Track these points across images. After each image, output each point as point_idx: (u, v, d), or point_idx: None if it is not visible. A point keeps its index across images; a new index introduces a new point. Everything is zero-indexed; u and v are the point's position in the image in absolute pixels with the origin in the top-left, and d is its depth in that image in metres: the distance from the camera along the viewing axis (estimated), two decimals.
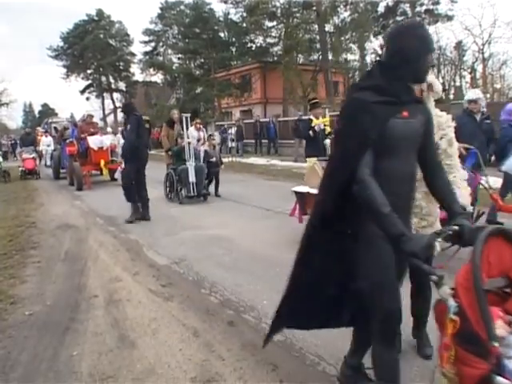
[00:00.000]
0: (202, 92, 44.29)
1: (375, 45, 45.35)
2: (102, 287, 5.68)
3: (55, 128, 24.62)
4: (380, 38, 44.10)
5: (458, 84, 47.11)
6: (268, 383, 3.49)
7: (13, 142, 37.61)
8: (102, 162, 16.24)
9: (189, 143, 11.84)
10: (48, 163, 23.55)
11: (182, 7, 48.89)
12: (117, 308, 5.00)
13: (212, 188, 12.95)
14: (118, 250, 7.45)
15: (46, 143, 24.00)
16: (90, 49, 58.69)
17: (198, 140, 12.67)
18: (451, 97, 38.81)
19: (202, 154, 12.69)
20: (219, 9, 64.27)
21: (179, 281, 5.84)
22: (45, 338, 4.37)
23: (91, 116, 18.74)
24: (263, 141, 29.49)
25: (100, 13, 60.41)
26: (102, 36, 59.83)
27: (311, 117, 9.49)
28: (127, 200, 9.83)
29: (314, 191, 5.99)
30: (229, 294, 5.28)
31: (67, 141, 18.03)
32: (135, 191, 9.74)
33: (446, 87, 42.42)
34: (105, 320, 4.71)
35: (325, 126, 9.37)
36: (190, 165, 11.68)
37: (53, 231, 8.93)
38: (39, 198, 13.81)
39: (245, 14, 40.52)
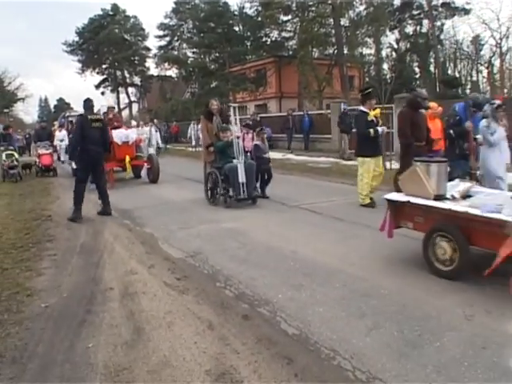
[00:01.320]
0: (217, 86, 44.22)
1: (391, 39, 45.20)
2: (118, 280, 5.70)
3: (71, 122, 23.78)
4: (396, 31, 43.94)
5: (474, 79, 46.81)
6: (283, 377, 3.47)
7: (27, 136, 36.67)
8: (127, 158, 14.91)
9: (238, 137, 10.50)
10: (62, 158, 22.55)
11: (197, 1, 48.85)
12: (132, 300, 5.01)
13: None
14: (133, 242, 7.46)
15: (60, 138, 22.79)
16: (105, 43, 59.03)
17: (238, 137, 10.63)
18: (467, 91, 38.53)
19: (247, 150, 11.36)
20: (234, 3, 64.37)
21: (194, 274, 5.84)
22: (61, 329, 4.39)
23: (112, 108, 17.89)
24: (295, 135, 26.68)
25: (115, 8, 60.71)
26: (117, 31, 60.09)
27: (364, 108, 9.17)
28: (73, 203, 9.54)
29: (417, 200, 5.73)
30: (243, 287, 5.26)
31: None
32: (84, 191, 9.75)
33: (463, 82, 42.11)
34: (120, 312, 4.72)
35: (376, 118, 9.04)
36: (240, 162, 10.08)
37: (68, 224, 8.97)
38: (55, 192, 13.91)
39: (260, 8, 40.45)
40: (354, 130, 16.98)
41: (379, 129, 9.03)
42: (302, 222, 8.44)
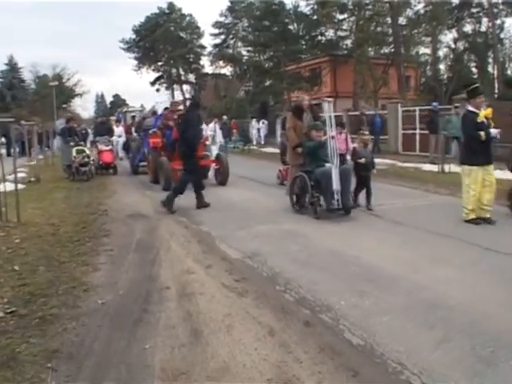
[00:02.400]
0: (272, 85, 44.13)
1: (448, 38, 44.08)
2: (174, 279, 5.61)
3: (133, 117, 23.53)
4: (454, 30, 42.81)
5: None
6: None
7: (84, 131, 37.09)
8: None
9: (332, 137, 9.02)
10: (120, 154, 22.47)
11: (252, 0, 48.90)
12: (189, 301, 4.90)
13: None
14: (189, 241, 7.38)
15: (118, 133, 22.61)
16: (161, 41, 59.87)
17: (333, 137, 9.14)
18: None
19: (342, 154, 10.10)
20: (289, 1, 64.01)
21: (253, 276, 5.69)
22: (117, 328, 4.32)
23: (176, 103, 16.96)
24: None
25: (171, 6, 61.56)
26: (172, 29, 60.90)
27: (471, 108, 8.02)
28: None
29: None
30: (304, 292, 5.08)
31: (150, 131, 15.55)
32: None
33: None
34: (177, 313, 4.62)
35: (487, 119, 7.91)
36: (334, 167, 8.73)
37: (125, 220, 9.00)
38: (112, 187, 14.07)
39: (316, 7, 40.12)
40: (444, 132, 16.50)
41: (492, 131, 7.83)
42: (364, 225, 8.22)
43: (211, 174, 14.36)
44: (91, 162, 16.28)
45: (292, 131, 9.90)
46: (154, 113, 18.68)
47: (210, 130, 21.77)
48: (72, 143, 16.32)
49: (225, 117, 29.83)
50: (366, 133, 10.59)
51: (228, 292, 5.13)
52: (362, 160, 9.41)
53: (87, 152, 16.39)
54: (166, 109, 15.98)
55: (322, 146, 9.00)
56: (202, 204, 10.07)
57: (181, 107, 15.13)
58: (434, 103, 20.19)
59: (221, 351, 3.82)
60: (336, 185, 8.58)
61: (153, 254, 6.67)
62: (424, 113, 21.49)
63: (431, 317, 4.35)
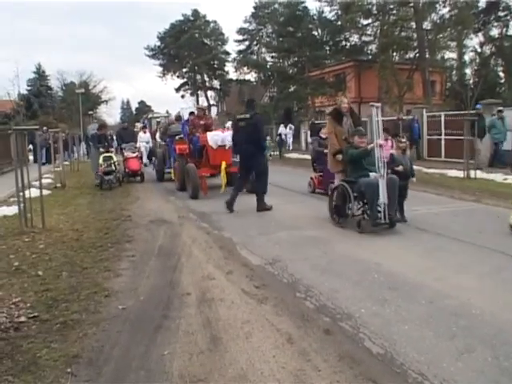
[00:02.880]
0: (296, 90, 44.14)
1: (474, 42, 43.51)
2: (195, 284, 5.62)
3: (158, 122, 23.34)
4: (480, 35, 42.26)
5: None
6: None
7: (110, 137, 37.03)
8: (223, 165, 12.70)
9: (380, 146, 8.24)
10: (145, 161, 22.13)
11: (276, 6, 49.11)
12: (209, 307, 4.90)
13: None
14: (211, 247, 7.39)
15: (145, 139, 22.44)
16: (185, 48, 60.54)
17: (380, 145, 8.35)
18: None
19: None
20: (313, 7, 63.98)
21: (273, 282, 5.67)
22: (137, 334, 4.33)
23: (203, 109, 16.07)
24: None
25: (196, 13, 62.18)
26: (197, 35, 61.56)
27: None
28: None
29: None
30: (325, 299, 5.04)
31: (176, 137, 15.19)
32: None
33: None
34: (197, 319, 4.61)
35: None
36: (382, 178, 8.05)
37: (147, 225, 9.05)
38: (136, 193, 14.18)
39: (340, 12, 40.00)
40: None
41: None
42: (385, 232, 8.09)
43: None
44: (116, 170, 15.54)
45: (333, 136, 9.19)
46: (177, 118, 18.32)
47: None
48: (102, 149, 15.86)
49: None
50: (404, 139, 10.11)
51: (248, 298, 5.12)
52: (400, 168, 8.77)
53: (114, 159, 15.69)
54: (191, 114, 15.70)
55: (368, 154, 8.33)
56: (263, 207, 10.34)
57: (214, 111, 15.18)
58: (478, 105, 19.32)
59: (239, 358, 3.81)
60: (383, 197, 7.97)
61: (174, 259, 6.70)
62: (450, 118, 21.30)
63: (453, 326, 4.27)
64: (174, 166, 15.27)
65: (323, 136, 12.68)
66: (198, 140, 13.66)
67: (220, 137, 13.23)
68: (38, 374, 3.60)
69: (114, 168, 15.31)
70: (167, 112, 32.11)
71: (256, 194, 10.53)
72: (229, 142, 12.78)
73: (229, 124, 21.03)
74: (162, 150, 17.44)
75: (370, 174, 8.22)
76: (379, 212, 8.02)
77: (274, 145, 31.68)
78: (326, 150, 10.86)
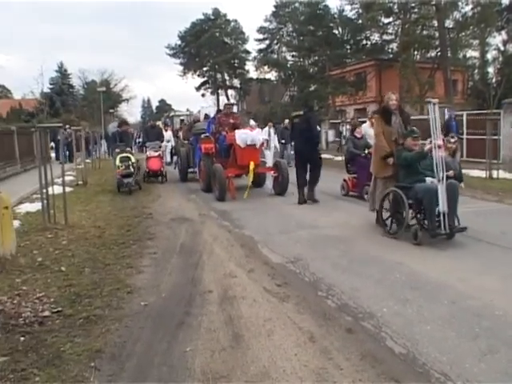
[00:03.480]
0: (316, 90, 44.08)
1: (497, 40, 42.92)
2: (217, 282, 5.64)
3: (182, 120, 23.00)
4: (503, 32, 41.67)
5: None
6: None
7: (131, 135, 36.53)
8: (252, 165, 12.12)
9: (439, 147, 7.45)
10: (168, 160, 21.98)
11: (297, 5, 48.96)
12: (231, 305, 4.91)
13: None
14: (233, 245, 7.41)
15: (166, 138, 21.53)
16: (206, 47, 60.69)
17: (439, 146, 7.49)
18: None
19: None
20: (334, 5, 63.78)
21: (295, 281, 5.67)
22: (159, 330, 4.36)
23: (230, 105, 15.14)
24: None
25: (216, 12, 62.30)
26: (217, 34, 61.68)
27: None
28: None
29: None
30: (346, 298, 5.03)
31: (202, 136, 14.24)
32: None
33: None
34: (219, 317, 4.63)
35: None
36: (440, 183, 7.25)
37: (169, 223, 9.09)
38: (157, 190, 14.26)
39: (361, 11, 39.80)
40: None
41: None
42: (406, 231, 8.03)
43: (269, 183, 13.32)
44: (135, 172, 14.01)
45: (382, 137, 8.37)
46: (206, 116, 17.85)
47: (265, 134, 18.96)
48: (117, 150, 14.73)
49: (287, 121, 23.56)
50: (453, 140, 9.45)
51: (270, 296, 5.12)
52: (450, 173, 7.60)
53: (132, 160, 14.04)
54: (218, 111, 15.32)
55: (424, 156, 7.62)
56: (312, 198, 11.11)
57: (235, 109, 14.46)
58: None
59: (261, 356, 3.82)
60: (443, 205, 7.17)
61: (196, 257, 6.73)
62: (472, 117, 21.08)
63: (476, 327, 4.24)
64: (199, 166, 14.49)
65: (358, 136, 12.21)
66: (225, 139, 13.18)
67: (249, 135, 12.45)
68: (62, 368, 3.64)
69: (132, 170, 13.74)
70: (188, 110, 31.91)
71: (309, 184, 11.15)
72: (259, 141, 12.51)
73: (252, 122, 20.37)
74: (185, 149, 16.68)
75: (427, 178, 7.49)
76: (438, 221, 7.26)
77: None
78: (366, 151, 11.22)
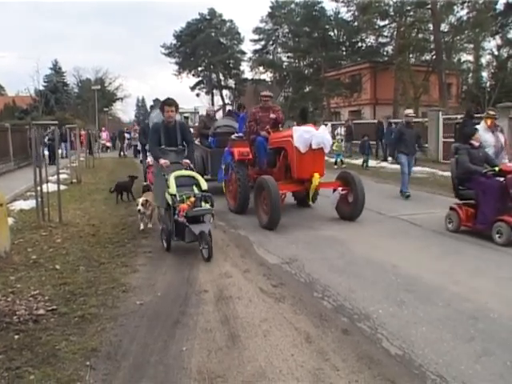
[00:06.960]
0: (311, 91, 44.22)
1: (492, 45, 43.13)
2: (212, 282, 5.63)
3: (186, 118, 20.85)
4: (497, 37, 41.87)
5: None
6: None
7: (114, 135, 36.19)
8: (316, 178, 8.73)
9: None
10: None
11: (293, 6, 49.06)
12: (227, 305, 4.91)
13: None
14: (228, 245, 7.40)
15: None
16: (201, 46, 60.72)
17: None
18: None
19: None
20: (330, 7, 63.82)
21: (290, 282, 5.66)
22: (155, 329, 4.36)
23: (267, 97, 10.38)
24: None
25: (212, 12, 62.31)
26: (213, 34, 61.74)
27: None
28: None
29: None
30: (342, 299, 5.04)
31: (233, 136, 10.99)
32: None
33: None
34: (215, 316, 4.63)
35: None
36: None
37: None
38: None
39: (356, 13, 39.86)
40: None
41: None
42: (402, 233, 8.09)
43: (334, 198, 9.19)
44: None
45: None
46: (228, 113, 15.30)
47: None
48: (163, 161, 7.20)
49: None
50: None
51: (265, 297, 5.12)
52: None
53: (203, 185, 7.24)
54: (239, 108, 13.47)
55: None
56: None
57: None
58: None
59: (257, 356, 3.82)
60: None
61: (191, 257, 6.71)
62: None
63: (471, 329, 4.27)
64: (228, 178, 10.59)
65: (476, 144, 8.50)
66: (268, 141, 9.80)
67: (315, 135, 8.75)
68: (57, 366, 3.64)
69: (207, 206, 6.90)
70: (195, 109, 30.81)
71: None
72: (329, 143, 9.08)
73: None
74: (199, 154, 12.72)
75: None
76: None
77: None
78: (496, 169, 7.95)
